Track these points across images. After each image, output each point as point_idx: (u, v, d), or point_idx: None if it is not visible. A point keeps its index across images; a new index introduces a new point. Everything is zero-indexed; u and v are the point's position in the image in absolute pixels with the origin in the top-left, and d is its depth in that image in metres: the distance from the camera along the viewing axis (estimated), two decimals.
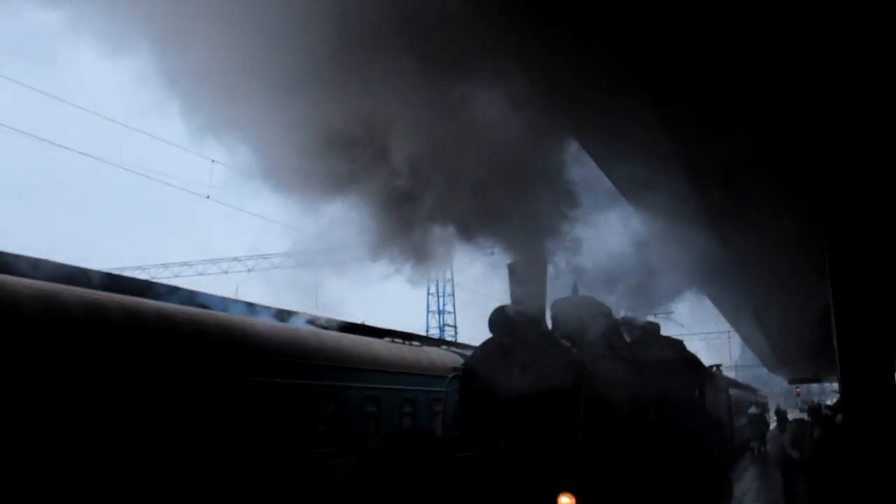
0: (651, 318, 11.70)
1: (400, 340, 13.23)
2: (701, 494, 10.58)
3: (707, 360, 13.35)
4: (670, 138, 6.41)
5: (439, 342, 17.25)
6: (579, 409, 7.27)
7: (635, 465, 7.63)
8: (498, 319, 7.77)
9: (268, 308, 10.49)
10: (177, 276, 26.56)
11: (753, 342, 24.73)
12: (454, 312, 38.14)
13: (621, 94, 5.42)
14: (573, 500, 6.26)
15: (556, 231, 7.65)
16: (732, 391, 20.11)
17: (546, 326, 8.19)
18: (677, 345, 11.39)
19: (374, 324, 14.01)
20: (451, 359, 13.34)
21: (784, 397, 50.73)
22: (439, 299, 37.98)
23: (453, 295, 38.18)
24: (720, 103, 5.78)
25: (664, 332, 11.70)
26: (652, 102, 5.75)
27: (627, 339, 10.18)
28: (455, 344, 18.33)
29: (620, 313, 9.84)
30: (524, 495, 6.41)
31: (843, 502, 8.24)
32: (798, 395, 45.21)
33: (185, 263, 26.67)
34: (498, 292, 8.16)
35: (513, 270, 7.85)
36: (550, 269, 7.98)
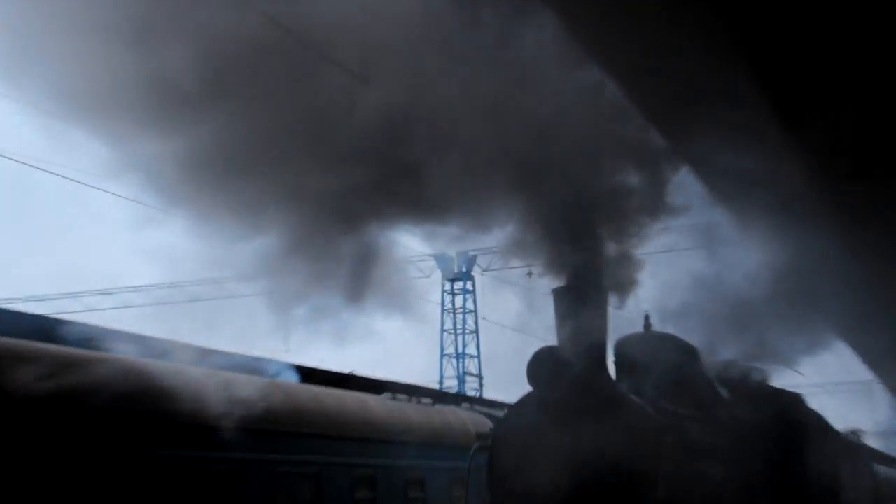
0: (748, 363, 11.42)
1: (404, 397, 13.13)
2: None
3: (838, 423, 13.00)
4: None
5: (459, 398, 17.22)
6: (656, 496, 7.29)
7: None
8: (541, 366, 7.79)
9: (213, 351, 10.13)
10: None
11: None
12: (478, 356, 37.85)
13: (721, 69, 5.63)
14: None
15: (625, 241, 7.68)
16: (879, 468, 19.19)
17: (609, 376, 8.21)
18: (794, 401, 11.17)
19: (366, 373, 14.21)
20: (475, 421, 13.33)
21: None
22: (457, 338, 37.55)
23: (477, 332, 37.69)
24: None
25: (773, 381, 11.47)
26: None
27: (724, 393, 10.00)
28: (481, 401, 18.39)
29: (712, 357, 9.72)
30: None
31: None
32: None
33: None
34: (540, 328, 8.25)
35: (561, 297, 7.89)
36: (613, 298, 8.18)
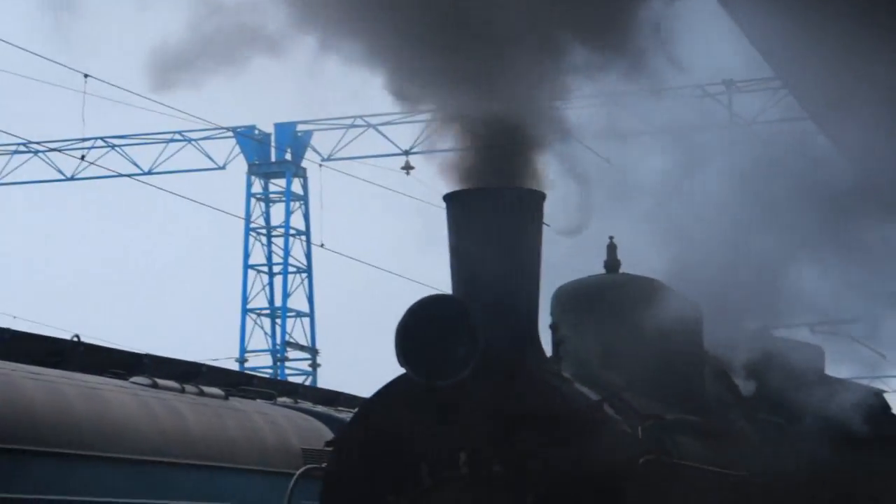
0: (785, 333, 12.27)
1: (174, 384, 13.15)
2: None
3: None
4: None
5: (274, 387, 17.15)
6: None
7: None
8: (421, 332, 8.00)
9: None
10: None
11: None
12: (311, 315, 38.36)
13: None
14: None
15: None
16: None
17: (541, 351, 8.56)
18: (872, 402, 11.90)
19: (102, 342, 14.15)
20: (300, 429, 13.63)
21: None
22: (272, 281, 38.03)
23: (309, 272, 38.23)
24: None
25: (833, 367, 12.22)
26: None
27: (747, 386, 10.53)
28: (312, 393, 18.64)
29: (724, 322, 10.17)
30: None
31: None
32: None
33: None
34: (422, 265, 8.45)
35: (459, 208, 8.31)
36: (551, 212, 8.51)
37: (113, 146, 34.57)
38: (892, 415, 12.79)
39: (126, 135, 34.81)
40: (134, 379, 12.92)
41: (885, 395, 13.05)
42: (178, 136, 34.74)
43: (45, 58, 17.02)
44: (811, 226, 11.23)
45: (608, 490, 7.73)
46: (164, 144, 34.79)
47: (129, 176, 32.65)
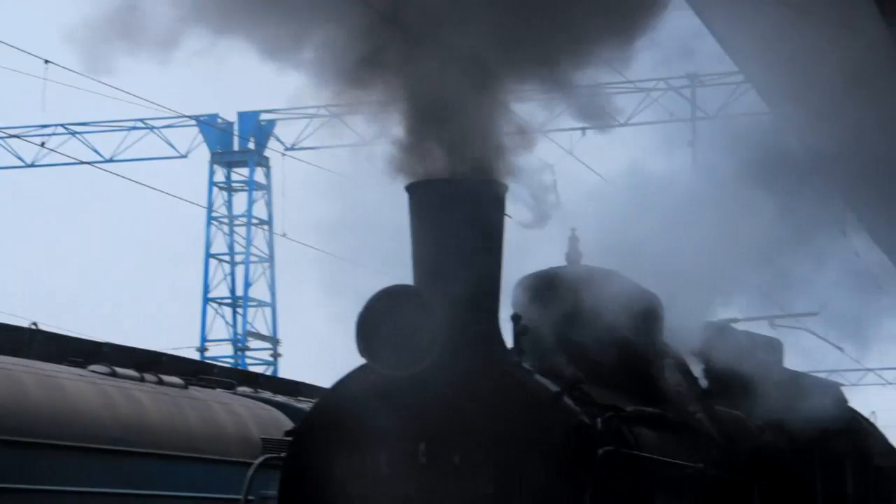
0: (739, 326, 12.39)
1: (132, 372, 13.13)
2: None
3: None
4: None
5: (235, 377, 17.15)
6: None
7: None
8: (382, 323, 8.05)
9: None
10: None
11: None
12: (272, 305, 38.28)
13: None
14: None
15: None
16: None
17: (502, 342, 8.60)
18: (830, 395, 11.96)
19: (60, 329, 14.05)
20: (261, 419, 13.67)
21: None
22: (234, 270, 37.90)
23: (272, 261, 38.12)
24: None
25: (791, 359, 12.35)
26: None
27: (701, 376, 10.59)
28: (273, 384, 18.66)
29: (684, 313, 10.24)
30: None
31: None
32: None
33: None
34: (386, 257, 8.55)
35: (421, 198, 8.33)
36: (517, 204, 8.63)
37: (74, 133, 34.34)
38: (849, 408, 12.89)
39: (87, 122, 34.58)
40: (92, 367, 12.90)
41: (843, 389, 13.15)
42: (139, 124, 34.49)
43: (5, 43, 16.87)
44: (774, 219, 11.33)
45: (568, 481, 7.74)
46: (125, 132, 34.53)
47: (89, 163, 32.31)
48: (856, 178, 13.22)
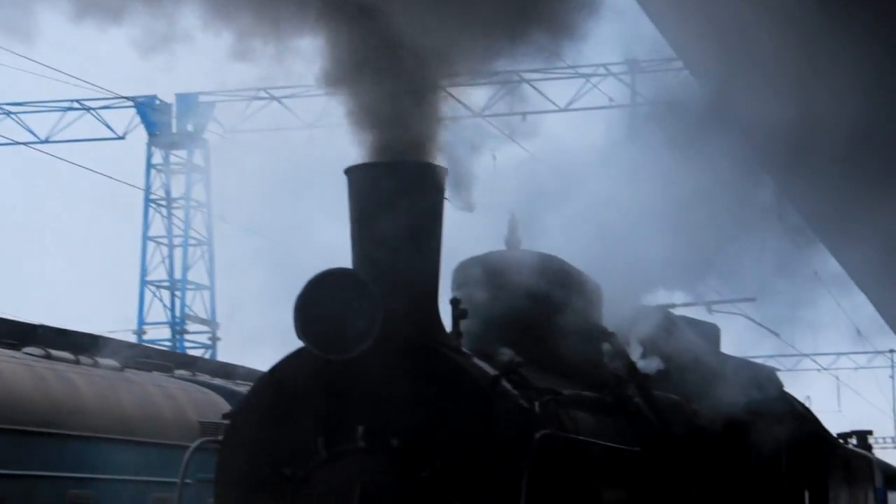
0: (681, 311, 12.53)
1: (68, 355, 13.13)
2: None
3: (837, 423, 14.62)
4: None
5: (172, 360, 17.13)
6: None
7: None
8: (319, 306, 8.05)
9: None
10: None
11: None
12: (211, 288, 38.24)
13: None
14: None
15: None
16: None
17: (441, 326, 8.64)
18: (765, 380, 12.13)
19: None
20: (197, 402, 13.74)
21: None
22: (171, 253, 37.72)
23: (210, 244, 37.99)
24: None
25: (728, 344, 12.58)
26: None
27: (639, 360, 10.64)
28: (211, 367, 18.63)
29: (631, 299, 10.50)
30: None
31: None
32: None
33: None
34: (323, 240, 8.63)
35: (359, 181, 8.36)
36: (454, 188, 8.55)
37: (9, 113, 33.97)
38: (785, 392, 13.03)
39: (22, 101, 34.28)
40: (27, 349, 12.86)
41: (778, 374, 13.31)
42: (76, 105, 34.26)
43: None
44: (712, 203, 11.41)
45: (505, 465, 7.78)
46: (61, 113, 34.27)
47: (25, 144, 32.12)
48: (790, 160, 13.31)
